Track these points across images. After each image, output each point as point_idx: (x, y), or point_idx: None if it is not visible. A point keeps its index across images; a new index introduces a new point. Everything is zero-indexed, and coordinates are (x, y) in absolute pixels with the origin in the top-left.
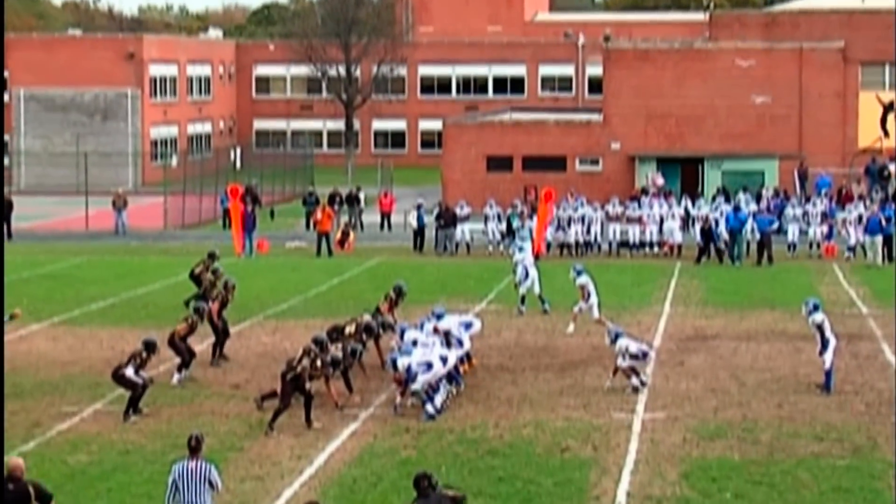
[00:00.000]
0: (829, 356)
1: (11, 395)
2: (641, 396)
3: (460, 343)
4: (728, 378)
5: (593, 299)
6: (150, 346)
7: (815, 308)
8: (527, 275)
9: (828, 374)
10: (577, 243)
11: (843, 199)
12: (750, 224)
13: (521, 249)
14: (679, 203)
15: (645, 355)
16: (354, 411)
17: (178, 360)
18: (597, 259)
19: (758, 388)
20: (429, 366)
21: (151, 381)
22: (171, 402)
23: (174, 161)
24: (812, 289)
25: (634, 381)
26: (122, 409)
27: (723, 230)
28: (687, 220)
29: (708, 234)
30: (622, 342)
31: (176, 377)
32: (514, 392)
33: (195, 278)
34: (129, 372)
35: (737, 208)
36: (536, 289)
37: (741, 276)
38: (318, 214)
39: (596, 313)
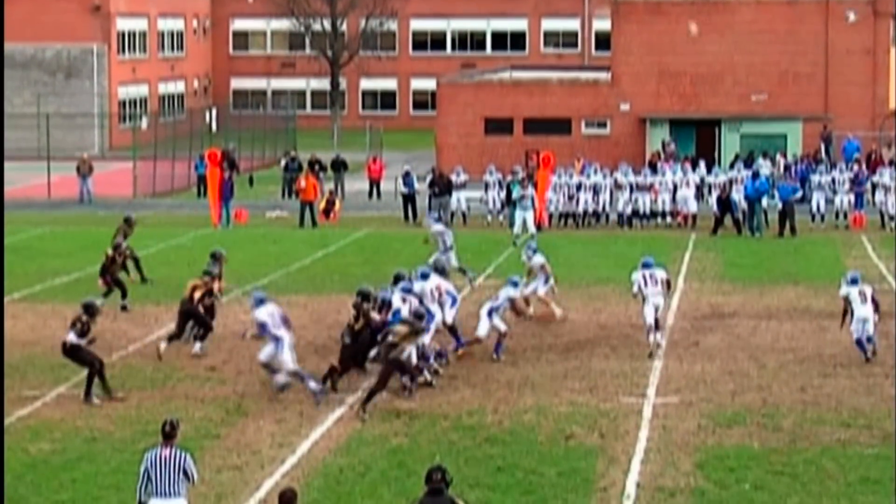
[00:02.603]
0: (856, 327)
1: None
2: (653, 379)
3: (431, 315)
4: (747, 359)
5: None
6: (90, 309)
7: (854, 281)
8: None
9: (858, 342)
10: (585, 213)
11: (872, 164)
12: (771, 192)
13: (521, 224)
14: (694, 169)
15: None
16: (341, 394)
17: (192, 331)
18: (605, 230)
19: (779, 370)
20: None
21: (101, 362)
22: (142, 386)
23: (144, 123)
24: (838, 262)
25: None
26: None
27: (741, 199)
28: (702, 188)
29: (726, 203)
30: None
31: (198, 346)
32: (514, 375)
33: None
34: (71, 336)
35: (755, 175)
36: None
37: (761, 249)
38: (301, 182)
39: (542, 291)
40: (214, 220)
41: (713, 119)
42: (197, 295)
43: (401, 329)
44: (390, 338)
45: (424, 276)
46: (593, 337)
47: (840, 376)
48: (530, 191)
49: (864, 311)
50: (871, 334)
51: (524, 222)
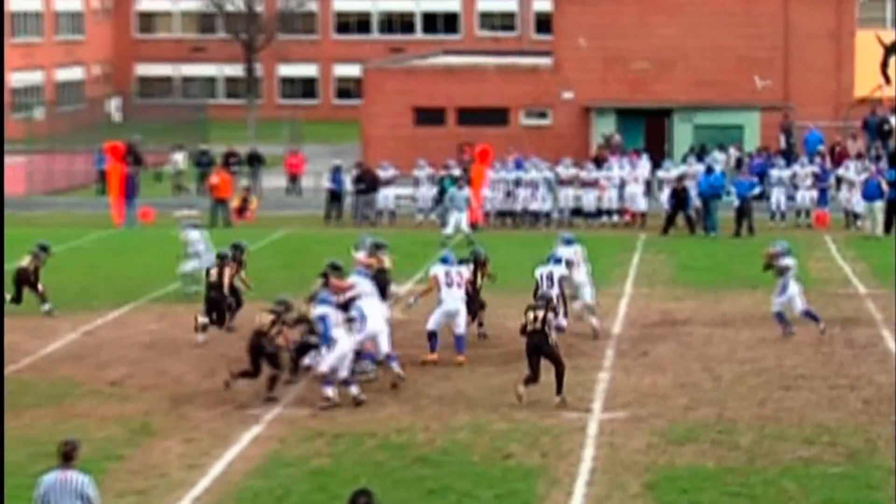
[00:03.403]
0: (785, 301)
1: None
2: (599, 393)
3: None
4: (701, 371)
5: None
6: None
7: (790, 252)
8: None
9: (807, 312)
10: (524, 211)
11: (836, 157)
12: (727, 188)
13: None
14: (655, 166)
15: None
16: (257, 411)
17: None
18: (547, 230)
19: (736, 382)
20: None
21: None
22: (36, 403)
23: (39, 113)
24: (799, 264)
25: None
26: None
27: (694, 196)
28: (651, 184)
29: (681, 199)
30: None
31: (201, 337)
32: (447, 389)
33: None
34: None
35: (709, 170)
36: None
37: (716, 250)
38: (214, 178)
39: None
40: (117, 219)
41: (664, 108)
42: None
43: (266, 318)
44: (256, 321)
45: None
46: None
47: (802, 389)
48: (465, 192)
49: (796, 287)
50: (808, 308)
51: (457, 222)
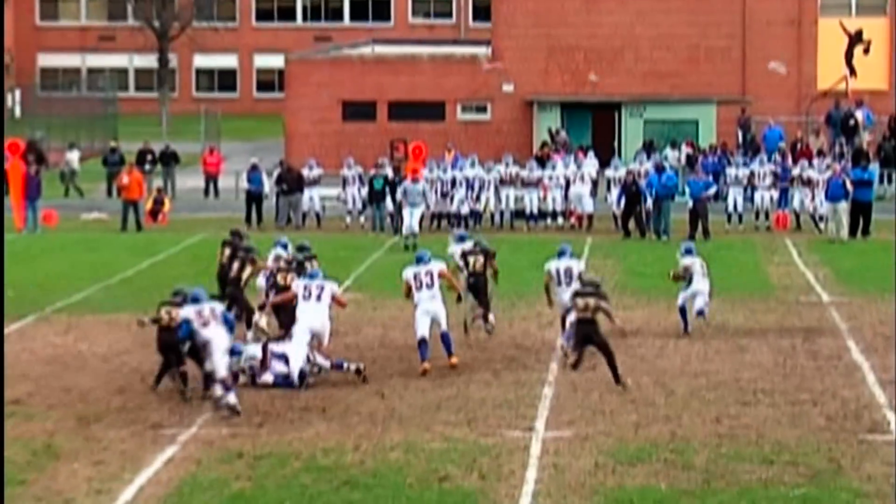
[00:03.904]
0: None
1: None
2: (542, 410)
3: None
4: (652, 385)
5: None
6: None
7: (690, 252)
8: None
9: (682, 310)
10: (460, 214)
11: (797, 155)
12: (680, 188)
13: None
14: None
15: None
16: (172, 430)
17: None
18: (487, 233)
19: (690, 397)
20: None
21: None
22: None
23: None
24: (759, 270)
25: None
26: None
27: (645, 196)
28: (598, 184)
29: (633, 196)
30: None
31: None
32: (378, 406)
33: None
34: None
35: (661, 168)
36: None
37: (668, 255)
38: (124, 178)
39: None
40: (18, 223)
41: (612, 102)
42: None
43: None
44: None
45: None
46: (472, 360)
47: (761, 404)
48: (420, 185)
49: (703, 284)
50: (704, 308)
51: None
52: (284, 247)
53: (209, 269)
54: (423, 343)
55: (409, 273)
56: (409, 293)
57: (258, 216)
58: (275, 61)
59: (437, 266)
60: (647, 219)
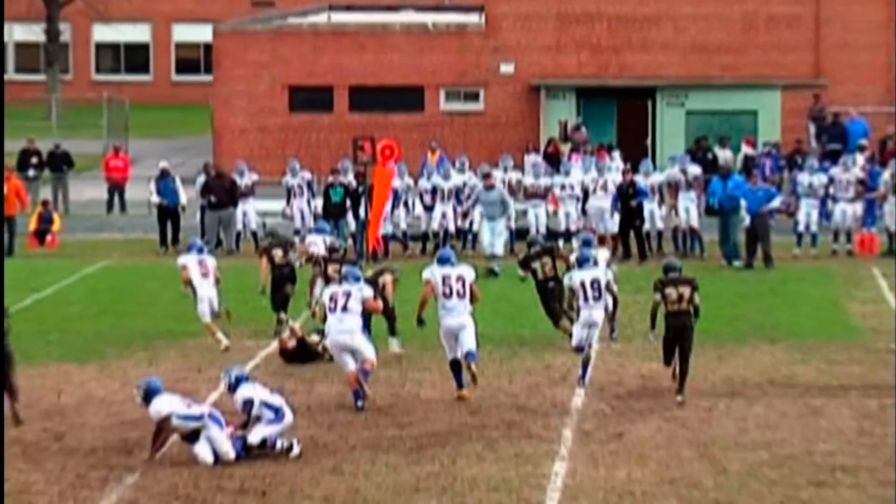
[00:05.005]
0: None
1: None
2: (553, 492)
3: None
4: (697, 460)
5: None
6: None
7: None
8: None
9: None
10: (444, 233)
11: (886, 156)
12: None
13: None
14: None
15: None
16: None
17: None
18: (477, 259)
19: (747, 476)
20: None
21: None
22: None
23: None
24: (837, 307)
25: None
26: None
27: (693, 209)
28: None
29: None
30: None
31: None
32: (337, 487)
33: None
34: None
35: (726, 173)
36: None
37: (719, 289)
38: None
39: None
40: None
41: (643, 87)
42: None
43: None
44: None
45: None
46: (458, 426)
47: (841, 486)
48: (497, 192)
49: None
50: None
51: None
52: (319, 232)
53: (113, 307)
54: (456, 365)
55: (433, 275)
56: (425, 303)
57: (174, 237)
58: (200, 33)
59: (468, 272)
60: (687, 241)
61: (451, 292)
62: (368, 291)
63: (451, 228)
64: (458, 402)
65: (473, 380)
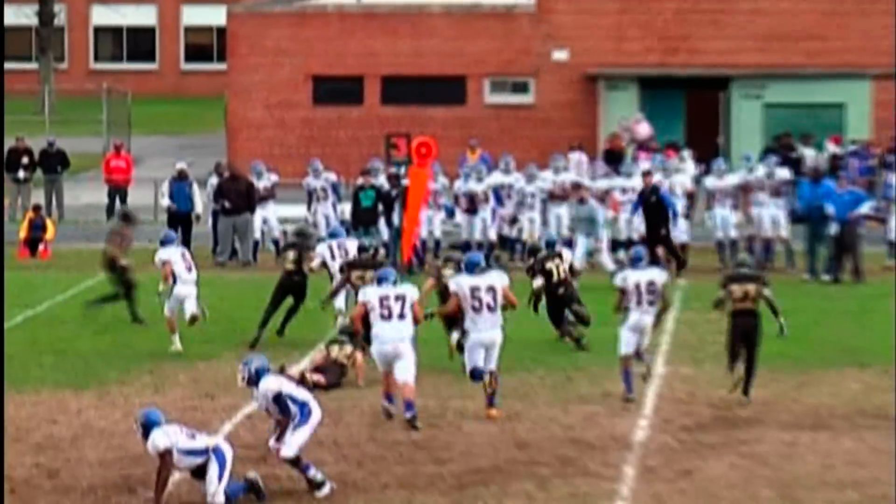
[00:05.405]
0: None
1: None
2: None
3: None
4: (778, 501)
5: None
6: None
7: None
8: None
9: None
10: (486, 242)
11: None
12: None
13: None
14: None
15: None
16: None
17: None
18: (521, 271)
19: None
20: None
21: None
22: None
23: None
24: None
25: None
26: None
27: (769, 217)
28: (694, 199)
29: (656, 210)
30: None
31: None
32: None
33: None
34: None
35: (817, 175)
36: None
37: (802, 306)
38: None
39: None
40: None
41: (716, 77)
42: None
43: None
44: None
45: None
46: (505, 462)
47: None
48: (590, 206)
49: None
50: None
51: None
52: (333, 237)
53: (114, 326)
54: (476, 376)
55: (461, 286)
56: (454, 313)
57: (186, 243)
58: (212, 16)
59: (500, 279)
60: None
61: (480, 305)
62: (416, 293)
63: (492, 236)
64: (505, 435)
65: (492, 397)
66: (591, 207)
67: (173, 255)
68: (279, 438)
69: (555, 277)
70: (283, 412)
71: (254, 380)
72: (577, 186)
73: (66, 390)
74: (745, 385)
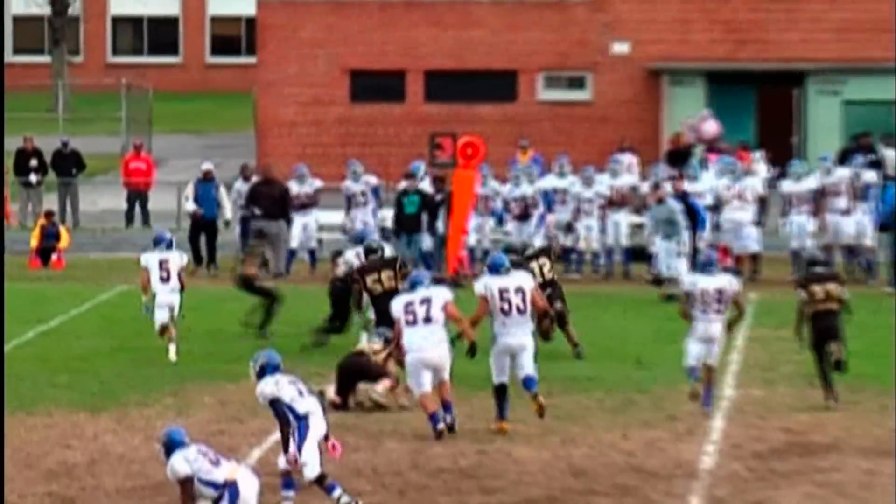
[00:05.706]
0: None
1: None
2: None
3: None
4: None
5: None
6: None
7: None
8: None
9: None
10: (548, 250)
11: None
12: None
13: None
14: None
15: None
16: None
17: None
18: (582, 285)
19: None
20: None
21: None
22: None
23: None
24: None
25: None
26: None
27: (848, 225)
28: (766, 204)
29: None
30: None
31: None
32: None
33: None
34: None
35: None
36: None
37: (880, 322)
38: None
39: None
40: None
41: (791, 72)
42: None
43: None
44: None
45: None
46: (560, 492)
47: None
48: (671, 205)
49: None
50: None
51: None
52: (360, 241)
53: (131, 342)
54: (501, 392)
55: (488, 288)
56: (479, 319)
57: (210, 255)
58: (240, 5)
59: (528, 281)
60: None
61: (509, 308)
62: (448, 294)
63: (538, 244)
64: (560, 461)
65: (541, 412)
66: (670, 208)
67: (152, 261)
68: (285, 450)
69: (537, 278)
70: (278, 419)
71: (260, 376)
72: (656, 186)
73: (81, 412)
74: (830, 390)
